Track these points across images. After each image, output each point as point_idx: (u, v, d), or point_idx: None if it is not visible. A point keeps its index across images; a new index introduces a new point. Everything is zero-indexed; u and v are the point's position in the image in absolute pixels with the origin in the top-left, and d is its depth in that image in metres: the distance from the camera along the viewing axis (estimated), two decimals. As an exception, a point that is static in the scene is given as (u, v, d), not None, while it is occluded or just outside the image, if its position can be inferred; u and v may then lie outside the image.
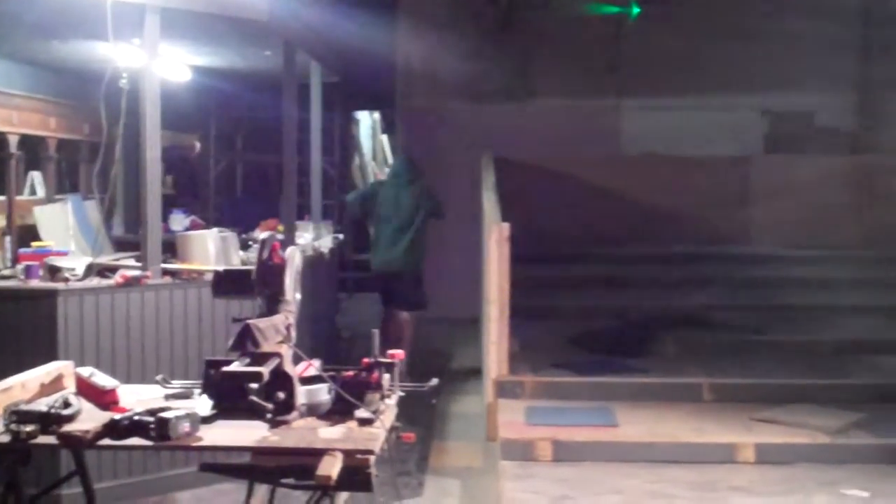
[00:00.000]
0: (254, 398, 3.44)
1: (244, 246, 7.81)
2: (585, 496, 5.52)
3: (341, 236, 11.38)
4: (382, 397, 3.73)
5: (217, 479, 5.43)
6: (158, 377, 4.12)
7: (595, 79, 11.99)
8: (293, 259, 3.80)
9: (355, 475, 3.26)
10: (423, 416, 7.55)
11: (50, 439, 3.35)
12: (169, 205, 10.25)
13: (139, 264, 6.32)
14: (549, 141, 11.46)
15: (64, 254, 6.56)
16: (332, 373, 3.79)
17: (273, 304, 3.72)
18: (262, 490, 4.22)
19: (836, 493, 5.52)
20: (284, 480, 3.47)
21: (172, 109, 7.43)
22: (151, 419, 3.30)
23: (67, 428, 3.37)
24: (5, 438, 3.31)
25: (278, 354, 3.55)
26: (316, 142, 10.04)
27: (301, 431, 3.48)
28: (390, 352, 3.92)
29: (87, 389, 3.76)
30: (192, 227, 9.50)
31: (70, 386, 3.84)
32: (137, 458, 5.92)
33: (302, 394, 3.61)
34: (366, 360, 3.84)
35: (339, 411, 3.64)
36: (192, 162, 15.05)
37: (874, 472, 5.81)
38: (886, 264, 9.88)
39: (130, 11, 6.06)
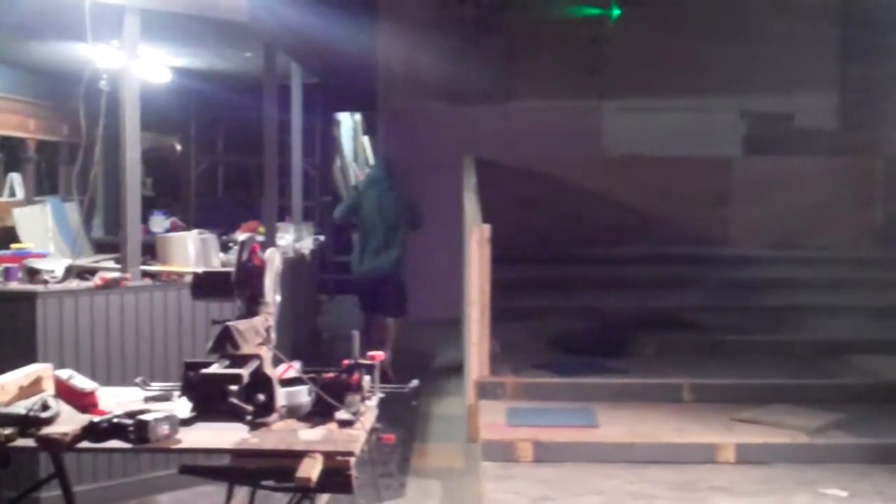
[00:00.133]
0: (233, 400, 3.43)
1: (225, 248, 7.80)
2: (566, 497, 5.52)
3: (322, 238, 11.37)
4: (363, 399, 3.74)
5: (197, 482, 5.40)
6: (138, 379, 4.11)
7: (576, 80, 12.02)
8: (273, 261, 3.80)
9: (335, 477, 3.27)
10: (404, 418, 7.54)
11: (28, 442, 3.35)
12: (149, 206, 10.24)
13: (119, 266, 6.30)
14: (530, 142, 11.49)
15: (43, 256, 6.56)
16: (312, 374, 3.79)
17: (253, 305, 3.72)
18: (242, 492, 4.22)
19: (815, 492, 5.55)
20: (264, 482, 3.47)
21: (152, 111, 7.40)
22: (130, 421, 3.29)
23: (46, 431, 3.36)
24: (-17, 441, 3.30)
25: (258, 356, 3.55)
26: (297, 143, 10.03)
27: (281, 433, 3.48)
28: (370, 353, 3.92)
29: (66, 392, 3.75)
30: (173, 228, 9.49)
31: (49, 388, 3.82)
32: (117, 461, 5.90)
33: (282, 396, 3.61)
34: (346, 361, 3.84)
35: (319, 413, 3.64)
36: (172, 163, 15.01)
37: (853, 472, 5.84)
38: (865, 265, 9.94)
39: (109, 12, 6.04)
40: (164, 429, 3.30)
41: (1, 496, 3.63)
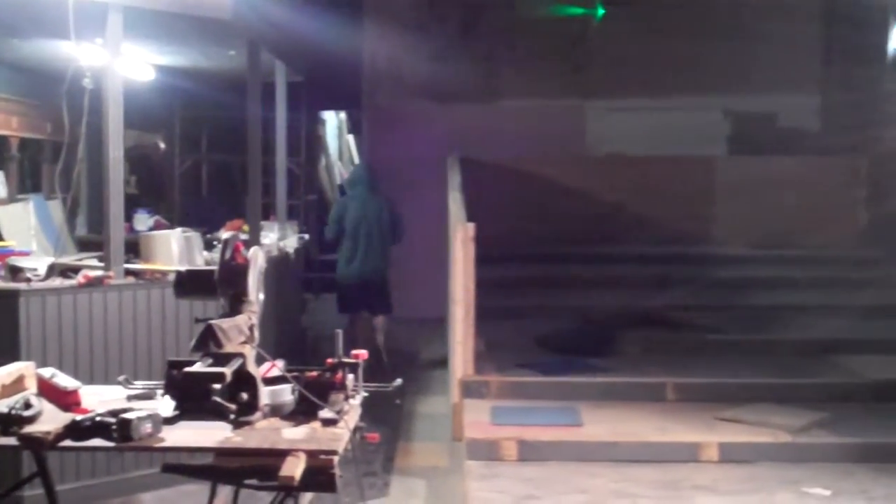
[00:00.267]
0: (217, 399, 3.42)
1: (209, 246, 7.77)
2: (550, 496, 5.53)
3: (307, 236, 11.35)
4: (346, 398, 3.73)
5: (181, 481, 5.39)
6: (121, 378, 4.10)
7: (561, 80, 12.03)
8: (256, 259, 3.78)
9: (319, 476, 3.26)
10: (388, 417, 7.55)
11: (10, 441, 3.33)
12: (133, 204, 10.19)
13: (102, 264, 6.28)
14: (515, 141, 11.48)
15: (26, 254, 6.53)
16: (295, 373, 3.79)
17: (236, 304, 3.70)
18: (225, 491, 4.21)
19: (798, 491, 5.57)
20: (248, 481, 3.46)
21: (136, 109, 7.37)
22: (113, 420, 3.28)
23: (28, 429, 3.35)
24: (-35, 440, 3.28)
25: (241, 355, 3.54)
26: (281, 141, 10.00)
27: (264, 432, 3.47)
28: (354, 352, 3.91)
29: (48, 390, 3.73)
30: (156, 227, 9.46)
31: (31, 387, 3.80)
32: (100, 460, 5.87)
33: (265, 394, 3.61)
34: (330, 360, 3.83)
35: (302, 412, 3.63)
36: (156, 161, 14.95)
37: (836, 471, 5.87)
38: (849, 265, 9.98)
39: (93, 10, 6.01)
40: (147, 427, 3.29)
41: (-17, 495, 3.62)
